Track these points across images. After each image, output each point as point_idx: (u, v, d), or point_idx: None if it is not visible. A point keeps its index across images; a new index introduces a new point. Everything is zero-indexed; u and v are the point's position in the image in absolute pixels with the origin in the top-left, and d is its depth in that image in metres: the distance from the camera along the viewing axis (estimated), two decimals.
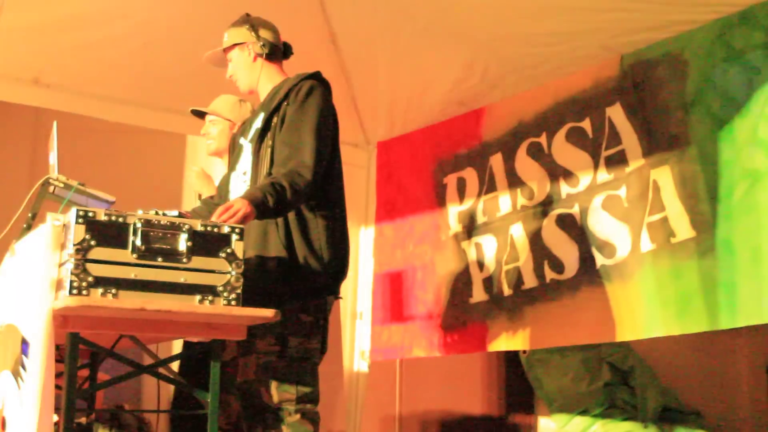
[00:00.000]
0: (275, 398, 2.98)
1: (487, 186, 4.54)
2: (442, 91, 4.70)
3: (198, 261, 2.58)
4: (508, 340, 4.32)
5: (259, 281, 2.90)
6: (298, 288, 3.01)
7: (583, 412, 5.36)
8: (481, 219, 4.54)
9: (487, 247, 4.47)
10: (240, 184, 3.19)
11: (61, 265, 2.51)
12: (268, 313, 2.64)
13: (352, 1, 4.42)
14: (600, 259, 3.94)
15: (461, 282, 4.61)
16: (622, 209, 3.89)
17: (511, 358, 5.98)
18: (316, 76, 3.19)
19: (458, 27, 4.26)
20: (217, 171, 4.12)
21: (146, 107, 4.81)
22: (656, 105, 3.83)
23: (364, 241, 5.25)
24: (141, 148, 6.04)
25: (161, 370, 2.95)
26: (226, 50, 3.34)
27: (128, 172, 5.81)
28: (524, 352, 5.68)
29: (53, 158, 3.55)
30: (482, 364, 6.20)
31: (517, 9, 4.02)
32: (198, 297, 2.57)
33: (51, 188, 3.47)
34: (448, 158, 4.83)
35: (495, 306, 4.38)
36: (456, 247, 4.69)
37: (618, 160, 3.94)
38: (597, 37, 4.00)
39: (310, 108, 3.06)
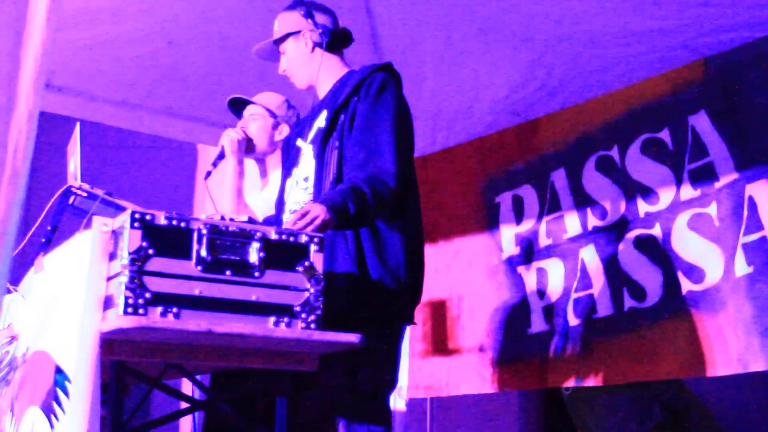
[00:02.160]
0: None
1: (550, 205, 4.22)
2: (494, 99, 4.38)
3: (272, 275, 2.23)
4: (574, 375, 3.99)
5: (325, 302, 2.55)
6: (372, 312, 2.66)
7: None
8: (544, 242, 4.21)
9: (553, 272, 4.14)
10: (299, 192, 2.84)
11: (110, 278, 2.15)
12: (353, 338, 2.30)
13: None
14: (687, 285, 3.64)
15: (518, 311, 4.27)
16: (713, 229, 3.59)
17: (551, 395, 5.65)
18: (388, 68, 2.86)
19: (520, 26, 3.94)
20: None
21: (164, 114, 4.49)
22: (750, 113, 3.55)
23: None
24: (150, 158, 5.70)
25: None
26: (278, 42, 2.98)
27: (135, 183, 5.48)
28: (567, 389, 5.35)
29: (74, 165, 3.21)
30: (520, 402, 5.86)
31: (587, 6, 3.72)
32: (272, 318, 2.22)
33: (71, 198, 3.15)
34: (500, 174, 4.51)
35: (559, 337, 4.05)
36: (510, 272, 4.35)
37: (705, 174, 3.65)
38: (678, 36, 3.70)
39: (385, 105, 2.73)
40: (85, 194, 3.12)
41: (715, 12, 3.53)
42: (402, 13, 4.15)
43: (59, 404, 2.23)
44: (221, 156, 3.41)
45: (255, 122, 3.51)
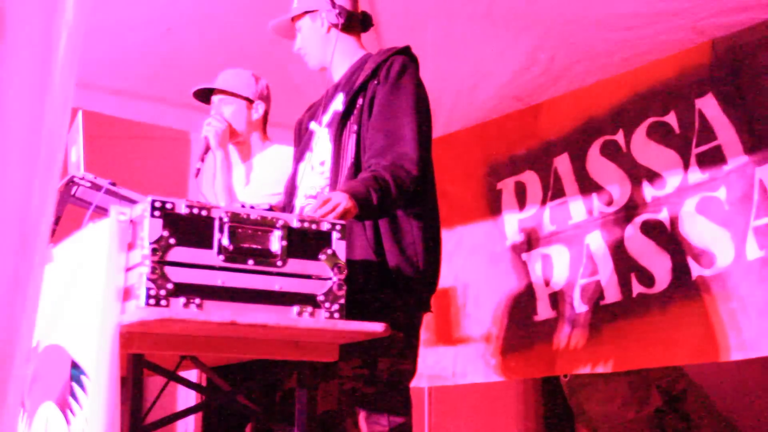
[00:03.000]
0: (364, 431, 2.57)
1: (553, 190, 4.18)
2: (497, 84, 4.33)
3: (294, 264, 2.18)
4: (583, 361, 3.96)
5: None
6: (390, 300, 2.61)
7: None
8: (548, 228, 4.17)
9: (558, 258, 4.11)
10: (315, 177, 2.79)
11: (129, 269, 2.09)
12: (377, 327, 2.25)
13: None
14: (697, 270, 3.61)
15: (524, 298, 4.23)
16: (722, 212, 3.56)
17: (549, 381, 5.64)
18: (407, 52, 2.80)
19: (524, 10, 3.89)
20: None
21: (159, 102, 4.41)
22: (759, 95, 3.53)
23: None
24: (141, 147, 5.59)
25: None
26: (295, 18, 2.92)
27: (127, 172, 5.38)
28: (565, 376, 5.33)
29: (76, 154, 3.14)
30: (517, 390, 5.84)
31: None
32: (296, 308, 2.16)
33: (74, 189, 3.08)
34: (502, 160, 4.47)
35: (567, 324, 4.02)
36: (515, 259, 4.31)
37: (714, 158, 3.62)
38: (685, 18, 3.67)
39: (406, 89, 2.67)
40: (88, 184, 3.05)
41: None
42: None
43: (76, 399, 2.17)
44: (207, 149, 3.30)
45: (228, 106, 3.37)
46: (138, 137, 5.41)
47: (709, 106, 3.67)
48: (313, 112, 2.96)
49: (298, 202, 2.81)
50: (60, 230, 2.86)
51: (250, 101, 3.39)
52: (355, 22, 2.91)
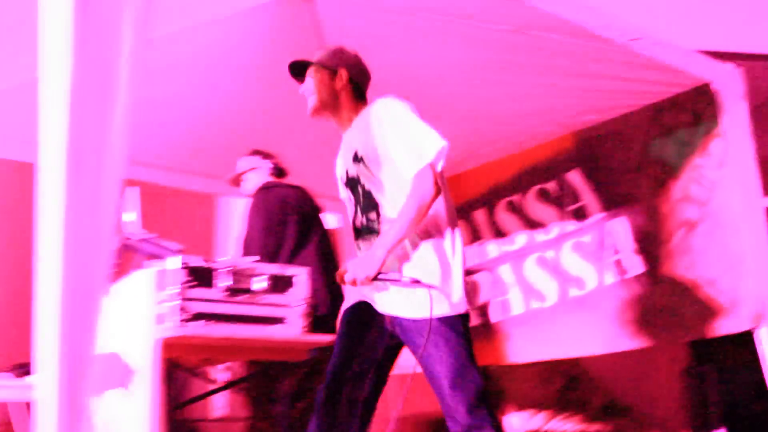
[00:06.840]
0: None
1: (474, 236, 4.59)
2: None
3: (272, 298, 2.61)
4: (498, 355, 4.36)
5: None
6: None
7: (544, 410, 5.37)
8: (473, 261, 4.57)
9: (482, 283, 4.51)
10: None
11: (162, 302, 2.52)
12: (328, 339, 2.66)
13: None
14: (574, 291, 4.02)
15: None
16: (589, 252, 3.98)
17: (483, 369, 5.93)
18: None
19: (446, 107, 4.24)
20: None
21: (190, 173, 4.77)
22: (609, 170, 3.95)
23: None
24: (173, 211, 5.85)
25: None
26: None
27: (170, 228, 5.67)
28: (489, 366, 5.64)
29: (133, 217, 3.47)
30: None
31: (492, 94, 3.98)
32: (273, 326, 2.59)
33: (129, 240, 3.44)
34: None
35: (487, 329, 4.41)
36: None
37: (581, 214, 4.04)
38: (554, 116, 4.09)
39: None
40: (139, 237, 3.42)
41: (580, 102, 3.90)
42: None
43: (128, 389, 2.56)
44: None
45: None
46: (177, 198, 5.70)
47: (575, 177, 4.10)
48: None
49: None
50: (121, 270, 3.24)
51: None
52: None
